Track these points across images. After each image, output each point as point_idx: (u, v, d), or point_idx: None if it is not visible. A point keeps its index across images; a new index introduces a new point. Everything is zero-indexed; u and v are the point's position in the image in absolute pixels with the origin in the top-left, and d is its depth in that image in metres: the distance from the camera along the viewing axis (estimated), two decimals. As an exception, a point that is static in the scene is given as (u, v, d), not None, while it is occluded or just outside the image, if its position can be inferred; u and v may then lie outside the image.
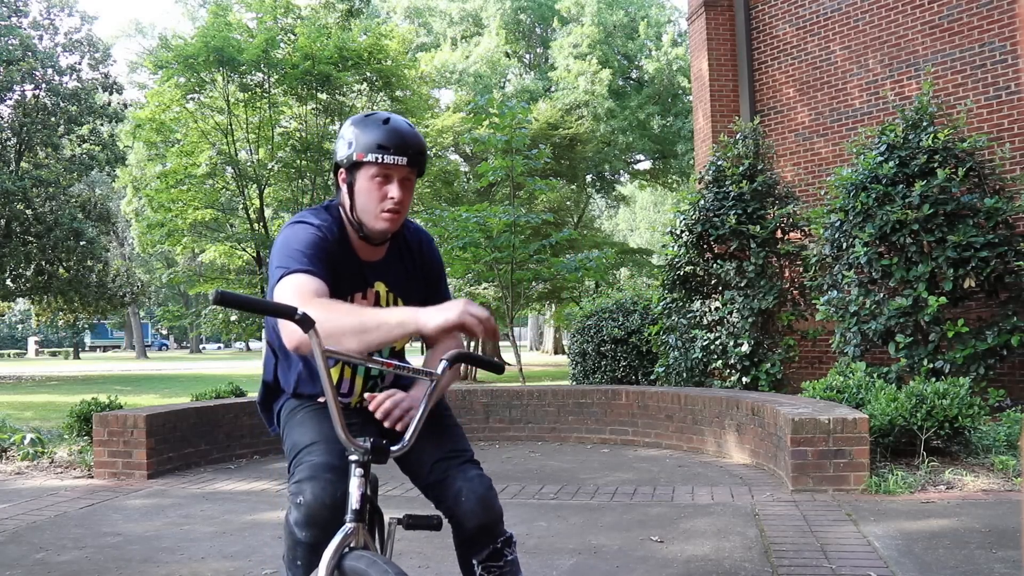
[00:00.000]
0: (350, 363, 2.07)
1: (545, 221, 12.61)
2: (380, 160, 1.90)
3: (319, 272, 1.89)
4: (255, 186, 18.87)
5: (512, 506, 4.43)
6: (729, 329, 7.57)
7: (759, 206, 7.70)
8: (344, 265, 2.03)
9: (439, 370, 1.90)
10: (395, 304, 2.12)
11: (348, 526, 1.73)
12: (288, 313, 1.66)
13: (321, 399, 2.10)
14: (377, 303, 2.09)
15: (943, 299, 6.16)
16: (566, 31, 28.34)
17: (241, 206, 19.42)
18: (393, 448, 1.82)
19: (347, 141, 1.96)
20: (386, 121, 1.93)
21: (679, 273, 8.08)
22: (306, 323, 1.66)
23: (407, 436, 1.86)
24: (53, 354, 53.76)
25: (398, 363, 1.88)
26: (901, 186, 6.51)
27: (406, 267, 2.15)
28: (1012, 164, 7.59)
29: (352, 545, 1.73)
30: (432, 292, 2.19)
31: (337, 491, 1.82)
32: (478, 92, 23.11)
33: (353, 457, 1.79)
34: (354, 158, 1.93)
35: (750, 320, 7.39)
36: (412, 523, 2.08)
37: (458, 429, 2.20)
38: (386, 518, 2.11)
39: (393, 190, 1.94)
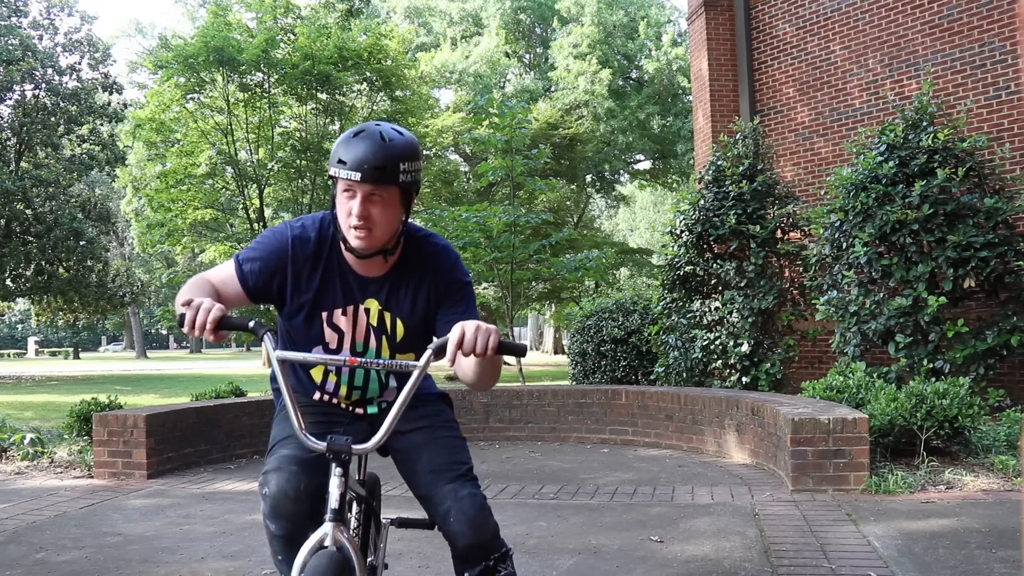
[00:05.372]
0: (305, 365, 2.09)
1: (545, 221, 12.61)
2: (339, 175, 1.85)
3: (250, 268, 2.00)
4: (255, 186, 18.88)
5: (512, 506, 4.44)
6: (729, 329, 7.57)
7: (759, 206, 7.70)
8: (330, 278, 2.01)
9: (421, 362, 1.82)
10: (390, 324, 2.04)
11: (326, 526, 1.72)
12: (242, 325, 1.78)
13: (315, 397, 2.14)
14: (369, 321, 2.04)
15: (943, 299, 6.16)
16: (566, 31, 28.35)
17: (241, 206, 19.43)
18: (356, 447, 1.77)
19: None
20: (358, 133, 1.87)
21: (679, 273, 8.08)
22: (258, 329, 1.78)
23: (378, 435, 1.81)
24: (53, 354, 53.76)
25: (362, 360, 1.83)
26: (901, 186, 6.51)
27: (409, 285, 2.04)
28: (1012, 164, 7.59)
29: (326, 544, 1.71)
30: (450, 313, 2.01)
31: (301, 483, 1.83)
32: (478, 92, 23.11)
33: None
34: (329, 171, 1.91)
35: (750, 320, 7.40)
36: (404, 522, 2.12)
37: (456, 440, 2.12)
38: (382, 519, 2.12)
39: (355, 206, 1.87)
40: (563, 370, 20.16)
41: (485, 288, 16.11)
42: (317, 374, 2.12)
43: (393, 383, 2.16)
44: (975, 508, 4.11)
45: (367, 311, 2.03)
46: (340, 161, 1.84)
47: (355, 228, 1.88)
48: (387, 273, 2.03)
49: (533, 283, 15.08)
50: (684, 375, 7.86)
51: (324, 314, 2.02)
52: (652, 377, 8.76)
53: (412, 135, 1.94)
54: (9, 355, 53.15)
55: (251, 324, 1.77)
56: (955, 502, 4.25)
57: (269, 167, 18.63)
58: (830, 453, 4.54)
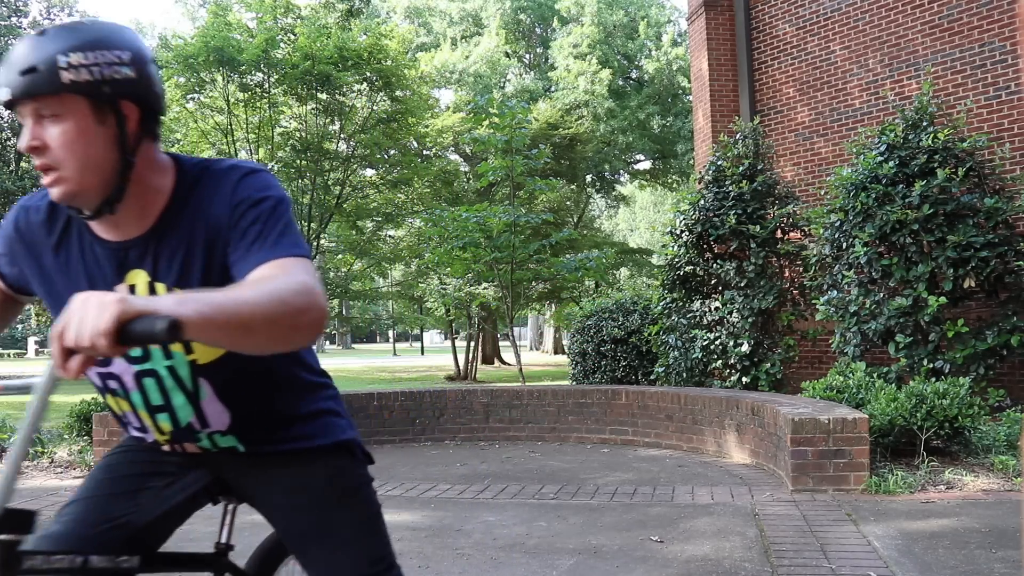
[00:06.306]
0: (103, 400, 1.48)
1: (545, 221, 12.61)
2: None
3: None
4: (255, 186, 18.88)
5: (512, 506, 4.44)
6: (729, 329, 7.57)
7: (759, 206, 7.70)
8: (69, 258, 1.37)
9: (43, 377, 1.23)
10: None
11: None
12: None
13: (135, 434, 1.52)
14: None
15: (943, 299, 6.16)
16: (566, 31, 28.37)
17: (241, 206, 19.42)
18: None
19: None
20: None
21: (679, 273, 8.08)
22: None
23: None
24: (53, 354, 53.73)
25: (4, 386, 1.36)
26: (901, 186, 6.51)
27: (183, 237, 1.33)
28: (1012, 164, 7.59)
29: None
30: (242, 253, 1.28)
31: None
32: (478, 92, 23.12)
33: None
34: None
35: (750, 320, 7.40)
36: None
37: (361, 527, 1.47)
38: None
39: (23, 136, 1.23)
40: (563, 370, 20.15)
41: (485, 288, 16.10)
42: (115, 406, 1.47)
43: (206, 393, 1.39)
44: (975, 508, 4.11)
45: (131, 289, 1.34)
46: None
47: (38, 168, 1.23)
48: (151, 229, 1.33)
49: (533, 283, 15.07)
50: (684, 375, 7.86)
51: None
52: (652, 377, 8.76)
53: (103, 21, 1.31)
54: (9, 355, 53.17)
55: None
56: (955, 502, 4.25)
57: (269, 167, 18.65)
58: (830, 453, 4.54)
